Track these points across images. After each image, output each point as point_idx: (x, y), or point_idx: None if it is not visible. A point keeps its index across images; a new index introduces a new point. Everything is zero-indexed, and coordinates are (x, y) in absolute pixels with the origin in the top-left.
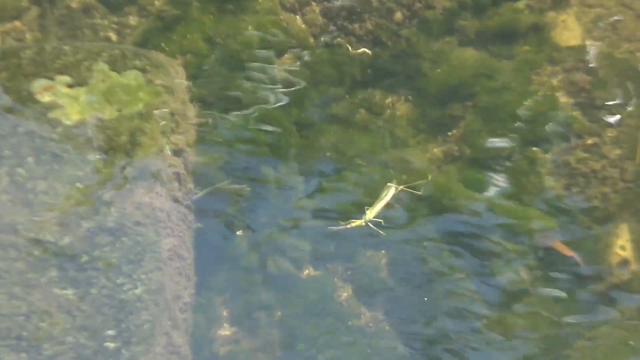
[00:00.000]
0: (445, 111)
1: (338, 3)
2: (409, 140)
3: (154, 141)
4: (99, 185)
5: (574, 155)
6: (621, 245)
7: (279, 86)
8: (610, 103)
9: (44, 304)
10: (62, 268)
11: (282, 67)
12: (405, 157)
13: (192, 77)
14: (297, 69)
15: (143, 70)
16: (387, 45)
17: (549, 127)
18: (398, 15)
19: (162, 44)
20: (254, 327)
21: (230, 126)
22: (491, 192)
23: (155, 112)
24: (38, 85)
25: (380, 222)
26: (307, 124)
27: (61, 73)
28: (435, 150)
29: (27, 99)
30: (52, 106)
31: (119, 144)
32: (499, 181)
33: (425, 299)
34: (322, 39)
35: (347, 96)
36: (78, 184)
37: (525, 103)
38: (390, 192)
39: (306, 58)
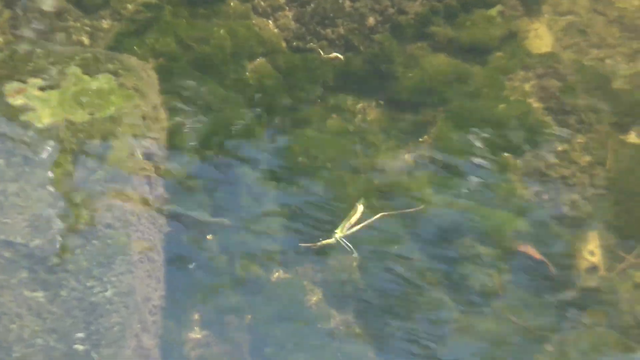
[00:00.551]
0: (418, 116)
1: (311, 7)
2: (381, 145)
3: (126, 145)
4: (70, 188)
5: (544, 161)
6: (590, 250)
7: (251, 90)
8: (580, 109)
9: (14, 306)
10: (33, 270)
11: (254, 71)
12: (376, 163)
13: (164, 80)
14: (269, 73)
15: (115, 74)
16: (359, 50)
17: (521, 133)
18: (371, 21)
19: (135, 47)
20: (224, 331)
21: (202, 130)
22: (462, 197)
23: (127, 115)
24: (10, 88)
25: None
26: (278, 128)
27: (33, 76)
28: (406, 155)
29: None
30: (24, 109)
31: (90, 147)
32: (470, 186)
33: (396, 302)
34: (294, 43)
35: (319, 101)
36: (49, 187)
37: (497, 108)
38: (359, 210)
39: (278, 62)
